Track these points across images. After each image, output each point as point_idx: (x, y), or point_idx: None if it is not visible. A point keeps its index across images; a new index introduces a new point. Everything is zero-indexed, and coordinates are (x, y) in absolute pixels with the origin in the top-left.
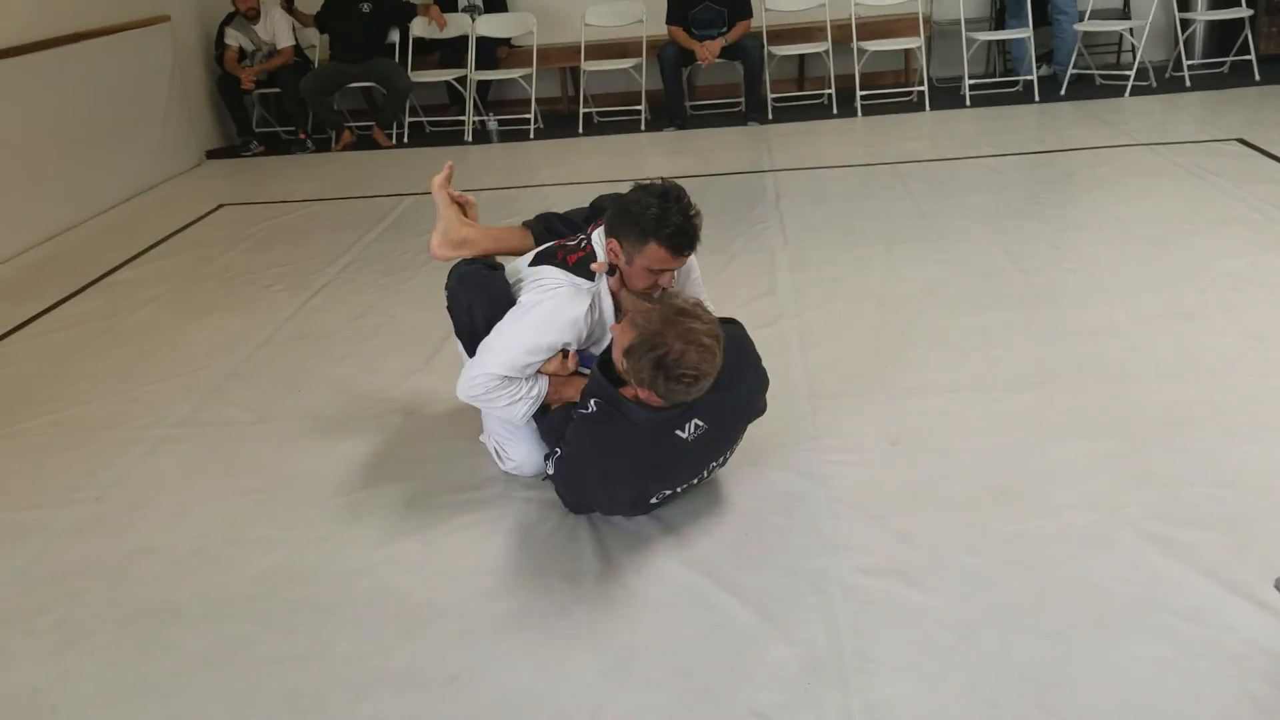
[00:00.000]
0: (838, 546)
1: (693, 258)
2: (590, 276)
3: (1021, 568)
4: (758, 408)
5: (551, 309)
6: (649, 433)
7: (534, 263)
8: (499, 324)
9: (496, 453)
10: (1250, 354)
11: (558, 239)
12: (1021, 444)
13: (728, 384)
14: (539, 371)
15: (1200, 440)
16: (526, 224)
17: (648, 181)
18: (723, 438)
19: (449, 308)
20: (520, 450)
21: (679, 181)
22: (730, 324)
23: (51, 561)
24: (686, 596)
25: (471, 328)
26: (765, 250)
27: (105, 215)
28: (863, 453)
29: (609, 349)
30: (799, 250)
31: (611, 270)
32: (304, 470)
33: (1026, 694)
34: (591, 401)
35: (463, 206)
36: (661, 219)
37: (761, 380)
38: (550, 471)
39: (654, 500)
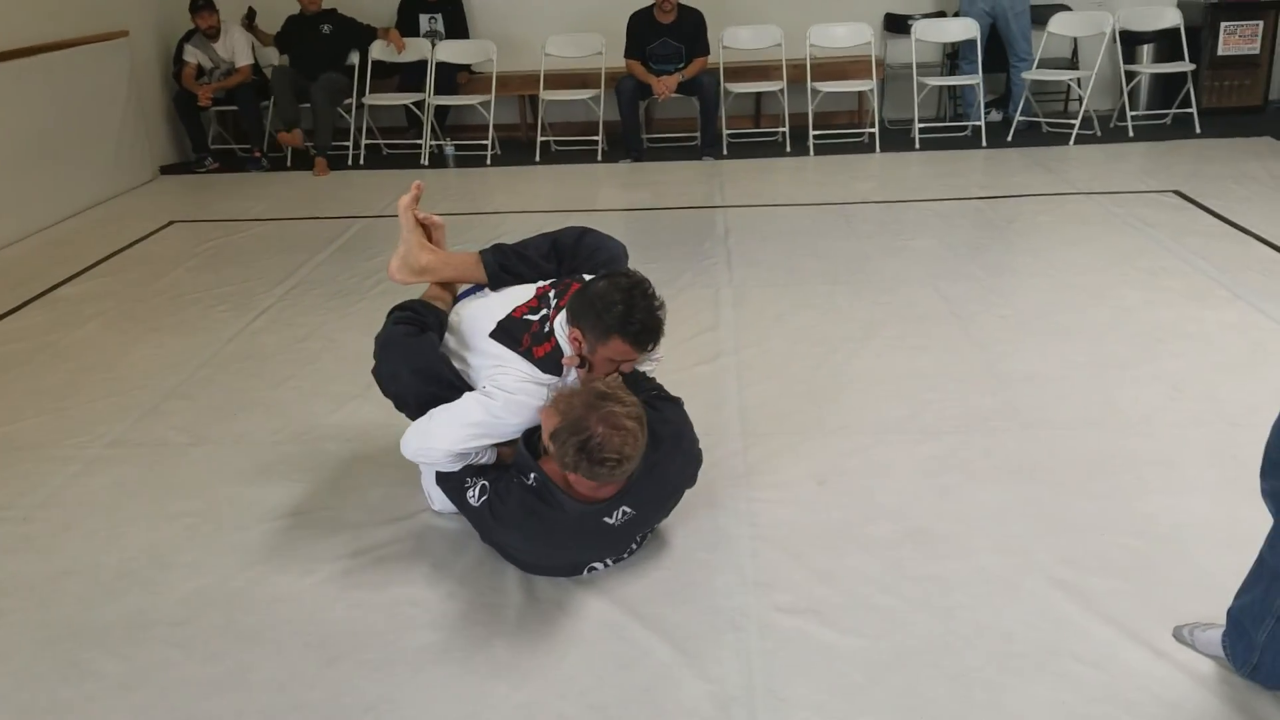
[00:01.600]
0: (758, 584)
1: None
2: (557, 370)
3: (932, 609)
4: (689, 482)
5: (517, 404)
6: (577, 519)
7: (494, 335)
8: (458, 403)
9: (429, 494)
10: (1170, 404)
11: (515, 277)
12: (943, 486)
13: (661, 468)
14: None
15: (1115, 489)
16: (483, 254)
17: (611, 273)
18: (650, 518)
19: (374, 371)
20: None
21: (632, 214)
22: (672, 404)
23: None
24: (605, 631)
25: (398, 391)
26: (710, 286)
27: (55, 229)
28: (789, 491)
29: (537, 427)
30: (743, 287)
31: (582, 363)
32: (235, 495)
33: None
34: (532, 475)
35: (428, 229)
36: (627, 316)
37: (695, 460)
38: (476, 504)
39: (586, 571)
